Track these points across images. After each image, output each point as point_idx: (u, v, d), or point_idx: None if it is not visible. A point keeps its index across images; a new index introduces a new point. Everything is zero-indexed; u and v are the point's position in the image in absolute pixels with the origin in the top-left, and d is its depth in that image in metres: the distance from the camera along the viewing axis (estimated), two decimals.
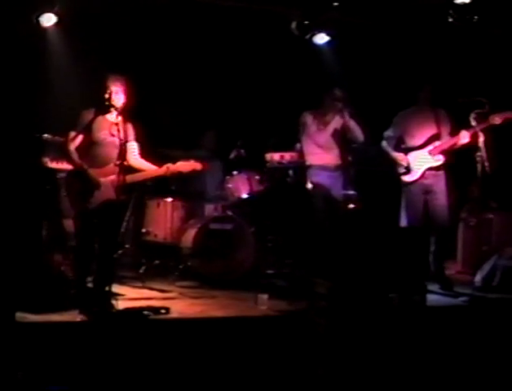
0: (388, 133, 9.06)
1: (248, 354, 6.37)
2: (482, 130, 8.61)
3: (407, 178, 8.87)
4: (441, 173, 8.86)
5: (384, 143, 9.05)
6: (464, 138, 8.64)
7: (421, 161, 8.80)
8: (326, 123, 9.08)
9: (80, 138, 7.11)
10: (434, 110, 8.91)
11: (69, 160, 7.27)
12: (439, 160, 8.81)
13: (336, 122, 9.03)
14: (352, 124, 8.95)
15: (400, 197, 8.99)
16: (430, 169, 8.80)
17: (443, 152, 8.80)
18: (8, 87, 8.50)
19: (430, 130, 8.86)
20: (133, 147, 7.33)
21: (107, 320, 6.76)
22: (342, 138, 9.14)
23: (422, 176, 8.81)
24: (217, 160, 9.88)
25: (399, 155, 8.90)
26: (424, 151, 8.82)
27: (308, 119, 9.11)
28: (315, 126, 9.07)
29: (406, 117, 9.00)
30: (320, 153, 9.06)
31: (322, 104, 9.13)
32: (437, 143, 8.81)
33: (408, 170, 8.84)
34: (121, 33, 9.63)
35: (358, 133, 9.00)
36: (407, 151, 8.89)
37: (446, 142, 8.79)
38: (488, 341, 6.91)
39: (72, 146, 7.11)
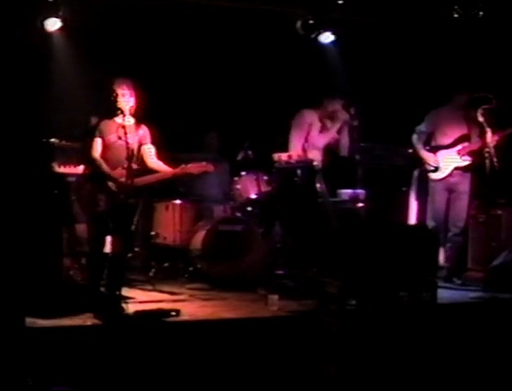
0: (420, 128, 9.18)
1: (259, 355, 6.37)
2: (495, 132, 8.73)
3: (434, 176, 9.05)
4: (467, 174, 8.98)
5: (415, 137, 9.18)
6: (492, 140, 8.69)
7: (449, 160, 8.97)
8: (328, 128, 9.16)
9: (101, 144, 7.16)
10: (467, 111, 8.98)
11: (94, 166, 7.23)
12: (466, 160, 8.90)
13: (336, 128, 9.12)
14: (346, 140, 9.03)
15: (408, 195, 9.03)
16: (458, 168, 8.89)
17: (470, 153, 8.88)
18: (14, 92, 8.50)
19: (461, 130, 9.04)
20: (149, 150, 7.38)
21: (121, 323, 6.76)
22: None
23: (450, 175, 8.92)
24: (223, 162, 9.87)
25: (429, 156, 9.06)
26: (452, 151, 8.94)
27: (310, 118, 9.15)
28: (318, 128, 9.13)
29: (439, 115, 9.13)
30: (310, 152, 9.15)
31: (321, 106, 9.17)
32: (466, 144, 8.90)
33: (436, 169, 8.93)
34: (125, 37, 9.63)
35: (344, 149, 9.08)
36: (436, 149, 9.07)
37: (475, 143, 8.86)
38: (499, 339, 6.90)
39: (95, 153, 7.14)
